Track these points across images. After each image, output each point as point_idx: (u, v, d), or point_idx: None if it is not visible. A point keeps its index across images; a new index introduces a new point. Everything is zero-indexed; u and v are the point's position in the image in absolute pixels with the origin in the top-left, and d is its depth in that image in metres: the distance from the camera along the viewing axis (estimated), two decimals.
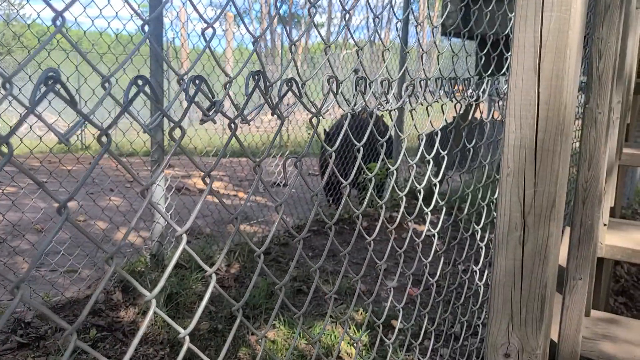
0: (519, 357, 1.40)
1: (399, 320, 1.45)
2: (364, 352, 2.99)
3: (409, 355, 2.10)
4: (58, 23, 0.61)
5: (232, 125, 0.85)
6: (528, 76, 1.36)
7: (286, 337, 3.15)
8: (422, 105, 1.42)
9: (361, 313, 3.50)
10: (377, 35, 1.22)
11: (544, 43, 1.33)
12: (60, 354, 2.74)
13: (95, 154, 7.25)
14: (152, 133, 3.22)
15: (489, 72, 1.83)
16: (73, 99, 0.62)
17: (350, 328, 3.24)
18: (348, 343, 3.16)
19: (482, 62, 1.83)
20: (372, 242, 1.21)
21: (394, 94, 1.29)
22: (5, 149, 0.56)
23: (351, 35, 1.11)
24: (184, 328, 2.66)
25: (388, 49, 1.22)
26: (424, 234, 1.48)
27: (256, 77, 0.89)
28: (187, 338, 0.79)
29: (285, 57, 9.95)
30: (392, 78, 1.27)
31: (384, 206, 1.28)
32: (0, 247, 3.90)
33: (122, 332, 3.10)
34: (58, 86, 0.60)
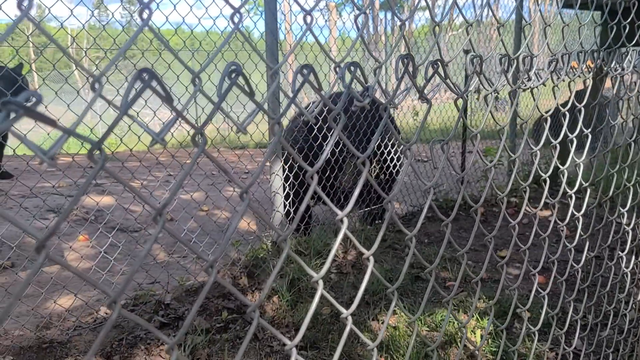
0: None
1: (544, 308, 1.39)
2: (489, 340, 2.92)
3: (543, 345, 2.01)
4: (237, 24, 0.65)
5: (385, 110, 0.86)
6: None
7: (408, 324, 3.15)
8: (564, 81, 1.34)
9: (484, 301, 3.41)
10: (514, 10, 1.17)
11: None
12: (197, 334, 2.94)
13: (210, 148, 7.65)
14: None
15: (633, 42, 1.69)
16: (252, 90, 0.66)
17: (474, 316, 3.17)
18: (471, 331, 3.09)
19: (613, 33, 1.69)
20: (516, 226, 1.18)
21: (535, 71, 1.23)
22: (199, 139, 0.61)
23: (493, 14, 1.07)
24: (306, 313, 2.73)
25: (530, 24, 1.16)
26: (567, 217, 1.40)
27: (405, 60, 0.89)
28: (350, 318, 0.82)
29: (389, 42, 9.83)
30: (533, 54, 1.22)
31: (527, 188, 1.24)
32: (138, 235, 4.26)
33: (250, 315, 3.26)
34: (240, 79, 0.64)
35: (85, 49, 2.84)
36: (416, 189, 5.34)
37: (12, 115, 0.44)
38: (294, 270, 3.57)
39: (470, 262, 4.08)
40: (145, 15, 0.56)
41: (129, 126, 3.32)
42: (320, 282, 0.78)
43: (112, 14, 2.63)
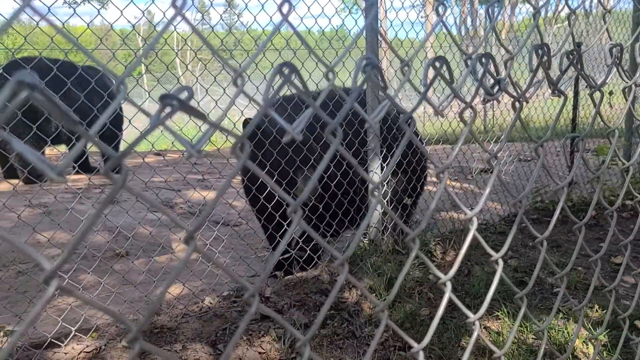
0: None
1: None
2: (604, 353, 2.71)
3: None
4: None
5: (517, 104, 0.81)
6: None
7: (511, 330, 3.01)
8: None
9: (597, 310, 3.18)
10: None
11: None
12: (296, 327, 2.99)
13: None
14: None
15: None
16: (386, 83, 0.64)
17: (588, 327, 2.97)
18: (583, 342, 2.90)
19: None
20: None
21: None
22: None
23: (635, 2, 0.98)
24: (404, 312, 2.64)
25: None
26: None
27: (540, 51, 0.83)
28: (477, 323, 0.78)
29: (490, 36, 9.49)
30: None
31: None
32: (239, 229, 4.40)
33: (348, 312, 3.26)
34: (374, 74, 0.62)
35: (195, 51, 2.99)
36: (519, 190, 5.10)
37: (168, 109, 0.46)
38: (392, 269, 3.54)
39: (581, 267, 3.82)
40: (285, 9, 0.56)
41: (234, 124, 3.43)
42: (449, 284, 0.75)
43: (221, 16, 2.73)
